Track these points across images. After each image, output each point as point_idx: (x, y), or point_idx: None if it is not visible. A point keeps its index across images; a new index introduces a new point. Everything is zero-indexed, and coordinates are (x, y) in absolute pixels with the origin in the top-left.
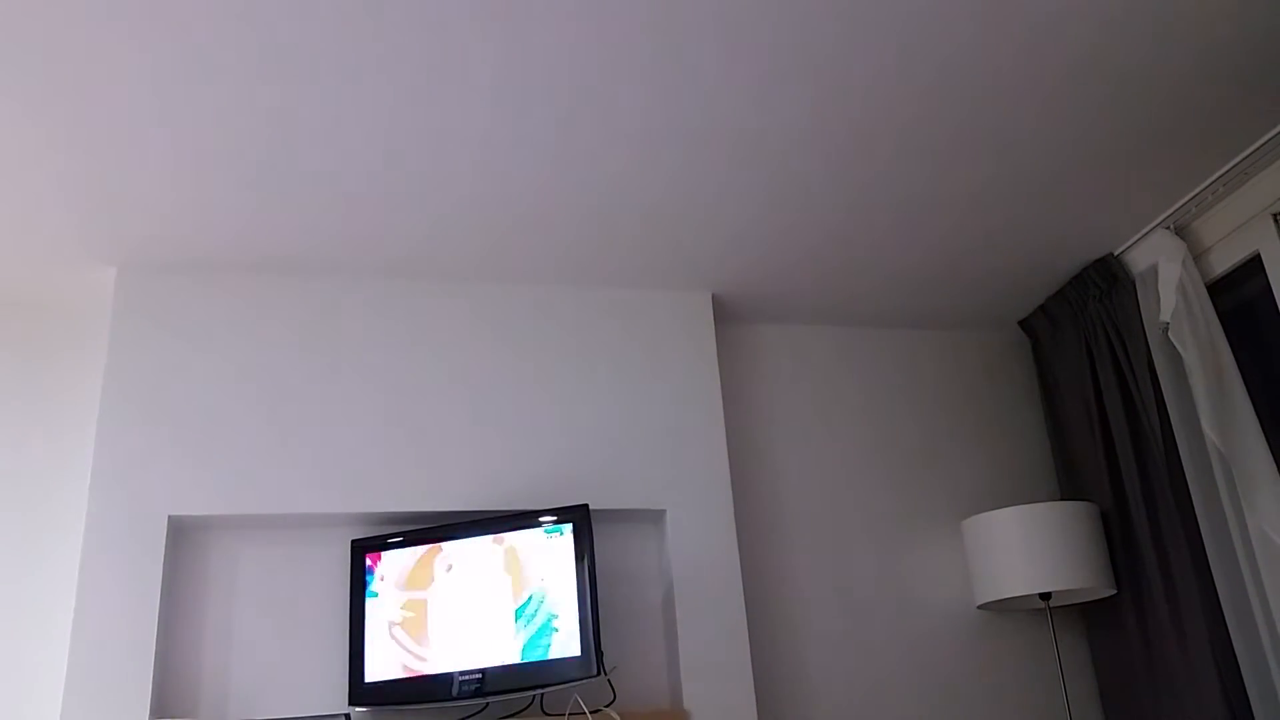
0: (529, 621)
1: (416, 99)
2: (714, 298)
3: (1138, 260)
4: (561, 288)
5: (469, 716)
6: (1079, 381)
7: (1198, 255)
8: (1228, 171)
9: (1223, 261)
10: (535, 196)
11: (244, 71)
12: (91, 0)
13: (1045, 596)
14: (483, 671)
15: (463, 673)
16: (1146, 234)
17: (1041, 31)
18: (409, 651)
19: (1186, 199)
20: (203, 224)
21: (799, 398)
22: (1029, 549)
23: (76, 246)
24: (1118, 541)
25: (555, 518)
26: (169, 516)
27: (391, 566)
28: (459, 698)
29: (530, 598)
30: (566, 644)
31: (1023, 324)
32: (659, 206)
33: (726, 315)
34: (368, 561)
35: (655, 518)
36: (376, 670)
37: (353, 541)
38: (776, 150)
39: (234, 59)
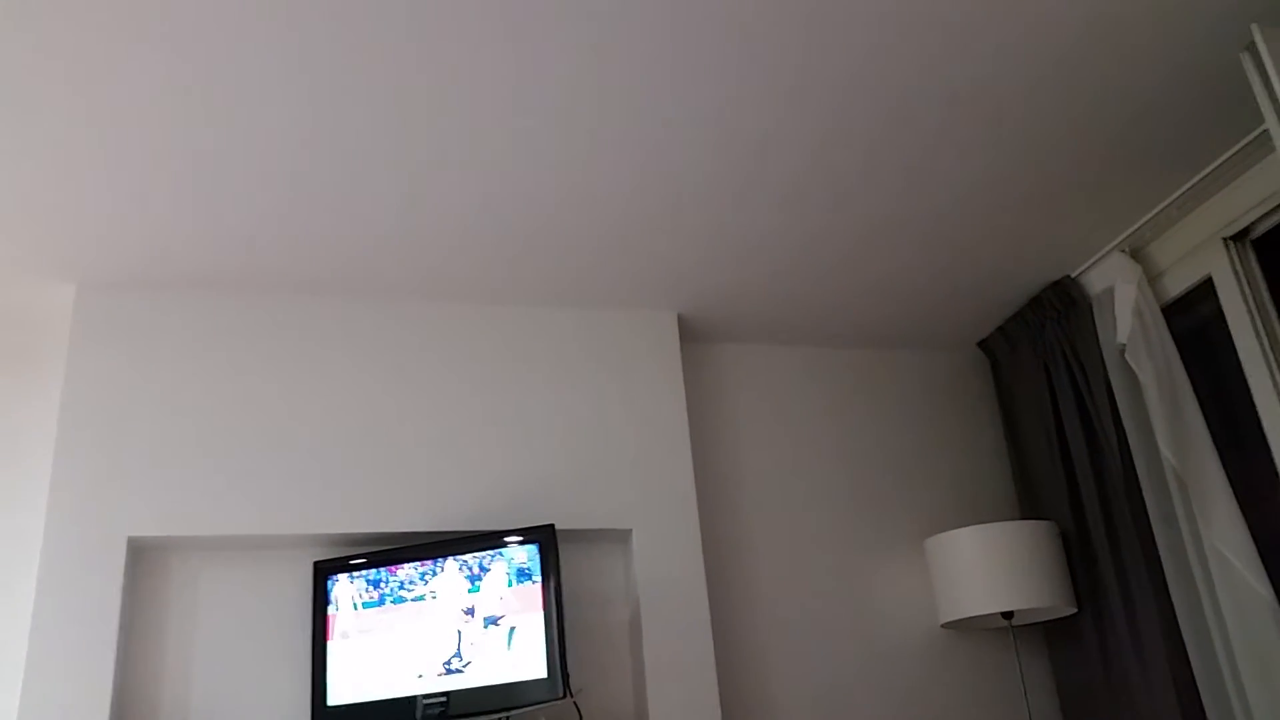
0: (494, 643)
1: (375, 119)
2: (679, 317)
3: (1094, 282)
4: (526, 308)
5: None
6: (1038, 402)
7: (1152, 278)
8: (1181, 196)
9: (1177, 284)
10: (499, 217)
11: (205, 90)
12: (50, 20)
13: (1008, 615)
14: (447, 695)
15: (427, 696)
16: (1103, 257)
17: (1000, 58)
18: (372, 674)
19: (1141, 223)
20: (162, 242)
21: (763, 417)
22: (990, 568)
23: (35, 263)
24: (1078, 560)
25: (521, 538)
26: (128, 538)
27: (354, 588)
28: None
29: (495, 619)
30: (532, 666)
31: (981, 345)
32: (624, 226)
33: (692, 335)
34: (330, 583)
35: (621, 537)
36: (339, 693)
37: (315, 563)
38: (741, 172)
39: (197, 77)
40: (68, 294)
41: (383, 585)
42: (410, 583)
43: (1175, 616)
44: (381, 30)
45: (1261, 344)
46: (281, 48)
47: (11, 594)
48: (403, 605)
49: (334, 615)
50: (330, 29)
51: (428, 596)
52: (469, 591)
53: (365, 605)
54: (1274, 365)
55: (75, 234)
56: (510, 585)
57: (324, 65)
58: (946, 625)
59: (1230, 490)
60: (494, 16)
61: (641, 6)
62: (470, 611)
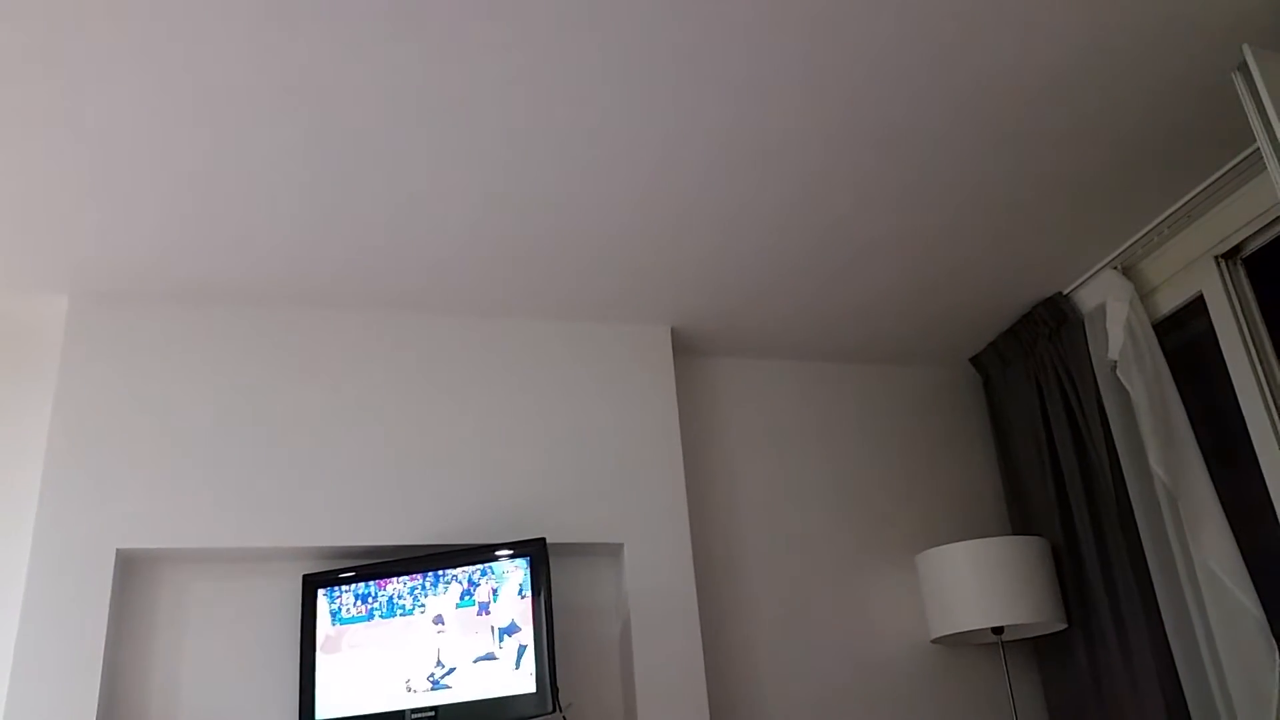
0: (484, 657)
1: (369, 132)
2: (673, 331)
3: (1086, 300)
4: (520, 320)
5: None
6: (1029, 418)
7: (1144, 295)
8: (1173, 214)
9: (1168, 302)
10: (493, 231)
11: (198, 99)
12: (43, 30)
13: (998, 631)
14: (435, 709)
15: (415, 710)
16: (1095, 274)
17: (994, 79)
18: (360, 688)
19: (1133, 240)
20: (155, 253)
21: (756, 431)
22: (981, 583)
23: (27, 273)
24: (1068, 576)
25: (512, 551)
26: (117, 550)
27: (343, 602)
28: None
29: (485, 633)
30: (522, 680)
31: (974, 361)
32: (619, 240)
33: (685, 348)
34: (318, 596)
35: (613, 551)
36: (327, 707)
37: (304, 576)
38: (737, 188)
39: (190, 87)
40: (60, 305)
41: (371, 599)
42: (399, 596)
43: (1165, 633)
44: (378, 42)
45: (1252, 361)
46: (275, 58)
47: None
48: (391, 619)
49: (322, 629)
50: (326, 40)
51: (416, 610)
52: (458, 605)
53: (354, 619)
54: (1264, 382)
55: (68, 244)
56: (500, 599)
57: (318, 77)
58: (937, 640)
59: (1220, 507)
60: (492, 32)
61: (640, 21)
62: (459, 625)
